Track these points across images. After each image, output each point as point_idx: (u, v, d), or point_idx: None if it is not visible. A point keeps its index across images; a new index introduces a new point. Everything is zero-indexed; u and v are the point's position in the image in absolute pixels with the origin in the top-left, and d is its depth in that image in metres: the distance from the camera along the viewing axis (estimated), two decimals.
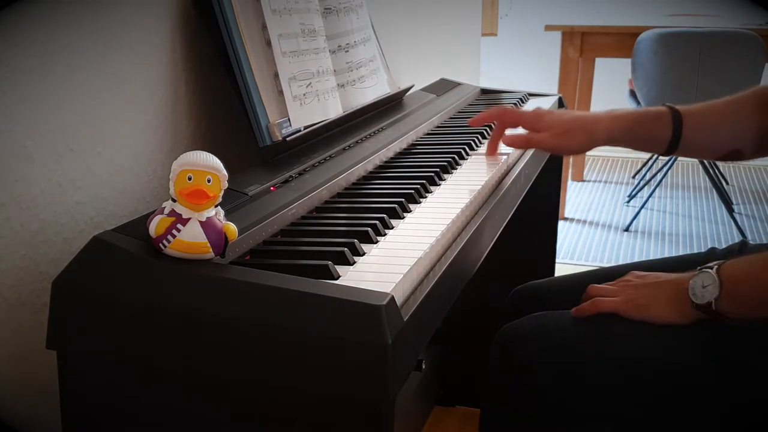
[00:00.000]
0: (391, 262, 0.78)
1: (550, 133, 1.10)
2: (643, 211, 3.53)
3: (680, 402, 0.88)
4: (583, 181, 4.19)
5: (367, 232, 0.85)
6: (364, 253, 0.81)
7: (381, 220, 0.89)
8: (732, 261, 0.88)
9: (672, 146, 1.10)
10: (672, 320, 0.91)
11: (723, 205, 3.52)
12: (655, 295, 0.94)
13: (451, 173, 1.13)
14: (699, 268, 0.89)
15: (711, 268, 0.87)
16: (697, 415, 0.88)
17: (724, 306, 0.86)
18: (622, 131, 1.10)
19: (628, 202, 3.76)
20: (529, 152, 1.31)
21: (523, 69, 4.64)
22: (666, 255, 1.23)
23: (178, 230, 0.71)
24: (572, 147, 1.13)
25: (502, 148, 1.19)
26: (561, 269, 1.66)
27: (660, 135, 1.09)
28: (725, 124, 1.10)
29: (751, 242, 1.11)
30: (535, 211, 1.59)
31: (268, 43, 1.07)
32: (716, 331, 0.89)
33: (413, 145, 1.29)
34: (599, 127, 1.10)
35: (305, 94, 1.11)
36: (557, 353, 0.95)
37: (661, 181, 3.79)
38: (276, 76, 1.07)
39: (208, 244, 0.71)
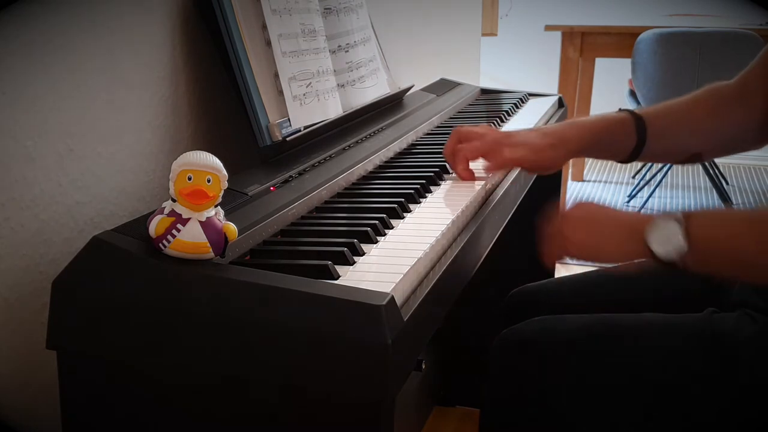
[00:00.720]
0: (391, 262, 0.78)
1: (527, 150, 1.06)
2: (643, 211, 3.53)
3: (683, 408, 0.88)
4: (583, 181, 4.19)
5: (367, 232, 0.85)
6: (364, 253, 0.81)
7: (381, 220, 0.89)
8: (700, 217, 0.83)
9: (635, 154, 1.08)
10: (622, 262, 0.88)
11: (723, 205, 3.52)
12: (604, 239, 0.89)
13: (451, 173, 1.13)
14: (662, 216, 0.84)
15: (677, 220, 0.83)
16: (701, 423, 0.88)
17: (690, 262, 0.82)
18: (590, 142, 1.07)
19: (628, 202, 3.76)
20: None
21: (523, 69, 4.64)
22: None
23: (178, 230, 0.71)
24: (546, 164, 1.08)
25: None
26: (561, 269, 1.66)
27: (624, 143, 1.07)
28: (684, 127, 1.08)
29: None
30: (535, 212, 1.59)
31: (268, 43, 1.07)
32: (724, 337, 0.88)
33: (413, 145, 1.29)
34: (569, 141, 1.06)
35: (305, 94, 1.11)
36: (557, 358, 0.95)
37: (661, 181, 3.80)
38: (276, 76, 1.07)
39: (208, 244, 0.71)
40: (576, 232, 0.90)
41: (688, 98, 1.09)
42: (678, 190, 3.96)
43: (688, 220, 0.82)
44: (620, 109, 1.09)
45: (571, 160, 4.06)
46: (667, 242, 0.82)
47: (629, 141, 1.07)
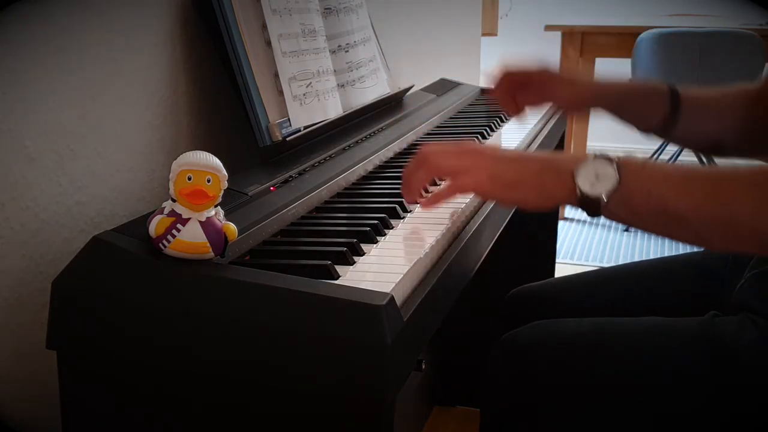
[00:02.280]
0: (391, 262, 0.78)
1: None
2: None
3: (683, 411, 0.88)
4: None
5: (367, 232, 0.85)
6: (364, 253, 0.81)
7: (381, 220, 0.89)
8: (635, 161, 0.80)
9: (664, 125, 1.05)
10: (539, 204, 0.82)
11: None
12: (526, 174, 0.82)
13: None
14: (594, 155, 0.80)
15: (609, 159, 0.79)
16: (702, 427, 0.87)
17: (614, 206, 0.78)
18: (621, 94, 1.06)
19: None
20: (532, 148, 1.31)
21: None
22: (666, 254, 1.22)
23: (178, 230, 0.71)
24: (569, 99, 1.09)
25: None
26: (561, 269, 1.66)
27: (655, 108, 1.05)
28: (713, 113, 1.07)
29: None
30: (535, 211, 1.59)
31: (268, 43, 1.07)
32: (726, 341, 0.88)
33: (413, 145, 1.29)
34: (597, 84, 1.07)
35: (305, 94, 1.11)
36: (557, 362, 0.95)
37: None
38: (276, 76, 1.07)
39: (208, 244, 0.71)
40: (489, 166, 0.83)
41: (718, 89, 1.08)
42: None
43: (622, 160, 0.79)
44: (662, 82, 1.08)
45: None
46: (596, 179, 0.78)
47: (661, 108, 1.05)
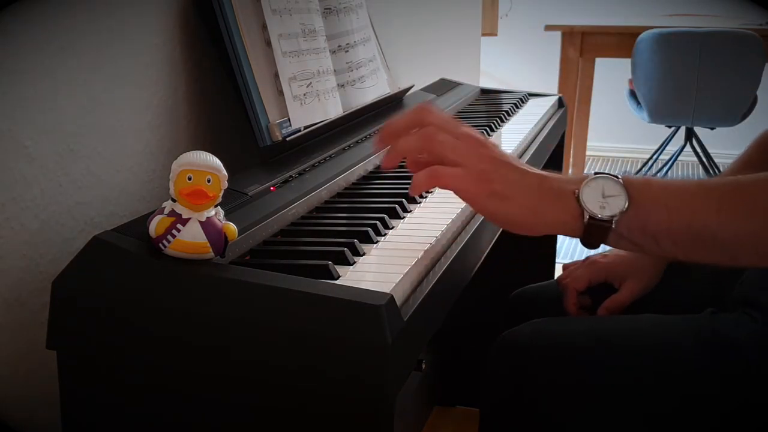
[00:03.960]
0: (391, 262, 0.78)
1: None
2: None
3: (682, 408, 0.88)
4: None
5: (367, 232, 0.85)
6: (364, 253, 0.81)
7: (381, 220, 0.89)
8: (640, 178, 0.70)
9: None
10: (530, 226, 0.71)
11: None
12: (522, 189, 0.70)
13: None
14: (595, 173, 0.70)
15: (612, 176, 0.69)
16: (701, 424, 0.87)
17: (624, 227, 0.68)
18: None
19: None
20: (530, 152, 1.31)
21: (523, 69, 4.65)
22: None
23: (178, 230, 0.71)
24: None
25: None
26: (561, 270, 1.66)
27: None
28: None
29: None
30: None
31: (268, 43, 1.07)
32: (723, 336, 0.88)
33: None
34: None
35: (305, 94, 1.11)
36: (556, 360, 0.95)
37: None
38: (276, 76, 1.07)
39: (208, 244, 0.71)
40: (481, 168, 0.70)
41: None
42: None
43: (625, 177, 0.70)
44: None
45: (571, 160, 4.07)
46: (604, 199, 0.68)
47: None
